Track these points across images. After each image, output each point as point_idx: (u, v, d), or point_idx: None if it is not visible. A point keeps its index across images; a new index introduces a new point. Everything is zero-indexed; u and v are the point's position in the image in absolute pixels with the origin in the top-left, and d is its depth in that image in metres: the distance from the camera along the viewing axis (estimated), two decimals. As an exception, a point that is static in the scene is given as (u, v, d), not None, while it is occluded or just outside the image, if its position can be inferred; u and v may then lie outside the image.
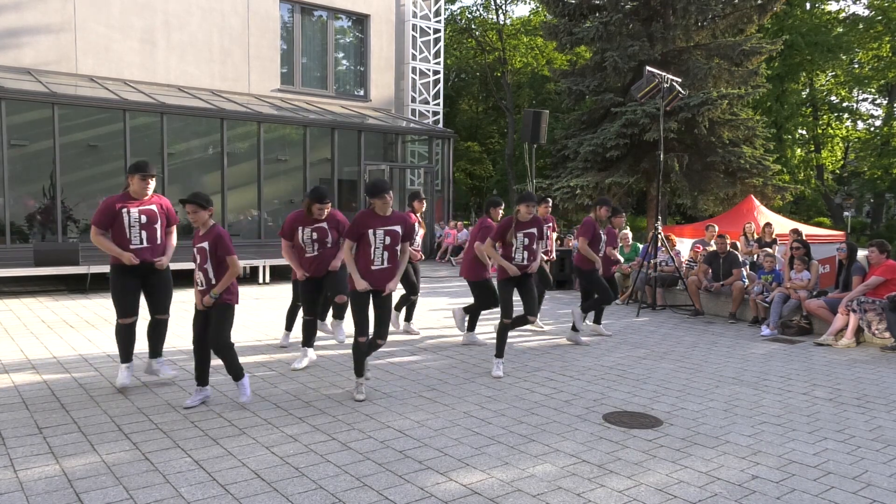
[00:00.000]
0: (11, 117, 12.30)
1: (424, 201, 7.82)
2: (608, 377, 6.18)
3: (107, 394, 5.29)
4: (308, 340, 6.28)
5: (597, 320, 8.24)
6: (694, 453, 4.32)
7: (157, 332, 5.58)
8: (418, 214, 7.60)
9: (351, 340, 6.39)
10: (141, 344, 6.11)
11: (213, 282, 4.91)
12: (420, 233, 7.58)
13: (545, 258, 8.46)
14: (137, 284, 5.35)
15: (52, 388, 5.40)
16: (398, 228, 5.20)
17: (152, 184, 5.37)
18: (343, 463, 4.04)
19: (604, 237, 7.86)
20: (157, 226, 5.37)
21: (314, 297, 6.22)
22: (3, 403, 4.99)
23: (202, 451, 4.16)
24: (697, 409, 5.24)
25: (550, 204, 8.80)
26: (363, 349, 5.21)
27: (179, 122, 14.16)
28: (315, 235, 6.05)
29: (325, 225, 6.08)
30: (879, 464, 4.20)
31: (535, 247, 6.27)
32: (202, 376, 5.07)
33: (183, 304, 9.71)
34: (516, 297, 6.67)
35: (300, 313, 6.57)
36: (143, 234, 5.28)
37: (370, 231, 5.10)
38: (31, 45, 14.06)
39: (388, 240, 5.15)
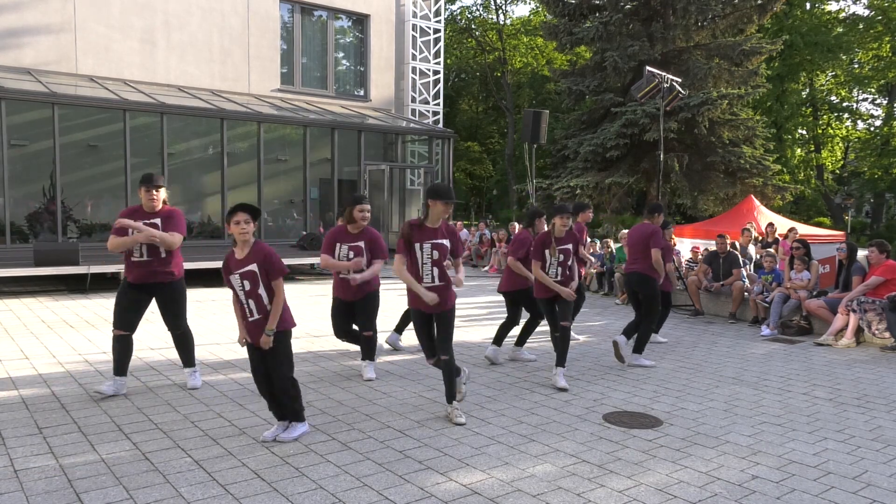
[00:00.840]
0: (11, 117, 12.31)
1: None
2: (608, 377, 6.18)
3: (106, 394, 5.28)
4: (368, 354, 5.94)
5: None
6: (694, 453, 4.32)
7: (181, 344, 5.49)
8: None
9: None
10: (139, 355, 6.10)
11: (268, 308, 4.20)
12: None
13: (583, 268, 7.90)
14: (140, 300, 5.22)
15: (52, 388, 5.40)
16: (446, 242, 4.64)
17: (159, 195, 5.18)
18: (343, 463, 4.05)
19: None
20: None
21: (346, 323, 5.94)
22: (3, 403, 4.99)
23: (202, 451, 4.16)
24: (697, 409, 5.24)
25: (591, 210, 8.06)
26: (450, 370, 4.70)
27: (179, 122, 14.17)
28: (351, 255, 5.66)
29: (361, 244, 5.67)
30: (879, 464, 4.20)
31: (570, 263, 5.84)
32: (280, 413, 4.41)
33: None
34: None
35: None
36: (144, 248, 5.14)
37: (417, 245, 4.61)
38: (31, 45, 14.07)
39: (436, 254, 4.61)
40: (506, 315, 6.74)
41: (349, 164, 16.29)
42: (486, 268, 15.60)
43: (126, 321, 5.18)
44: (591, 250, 12.50)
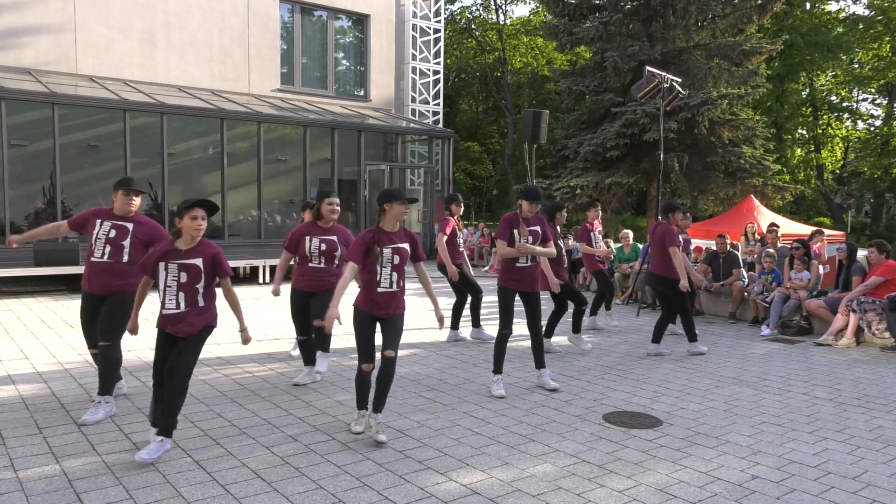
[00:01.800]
0: (11, 117, 12.30)
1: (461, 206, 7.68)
2: (608, 377, 6.18)
3: (107, 394, 5.28)
4: (309, 358, 5.79)
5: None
6: (694, 453, 4.32)
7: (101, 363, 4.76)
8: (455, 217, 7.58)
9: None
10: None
11: (200, 304, 4.11)
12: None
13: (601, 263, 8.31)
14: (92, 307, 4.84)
15: (52, 388, 5.40)
16: (406, 246, 4.49)
17: (136, 201, 4.85)
18: (343, 463, 4.05)
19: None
20: (126, 243, 4.77)
21: (304, 315, 5.68)
22: (3, 403, 4.99)
23: (202, 451, 4.16)
24: (697, 409, 5.24)
25: (599, 209, 8.46)
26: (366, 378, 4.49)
27: (179, 122, 14.16)
28: (323, 247, 5.55)
29: (335, 238, 5.62)
30: (879, 464, 4.20)
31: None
32: (156, 419, 4.15)
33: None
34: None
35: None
36: (108, 248, 4.75)
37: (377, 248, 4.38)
38: (31, 45, 14.07)
39: (396, 259, 4.41)
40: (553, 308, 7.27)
41: (349, 164, 16.28)
42: (487, 268, 15.60)
43: (88, 336, 4.89)
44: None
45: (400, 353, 6.98)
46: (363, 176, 16.13)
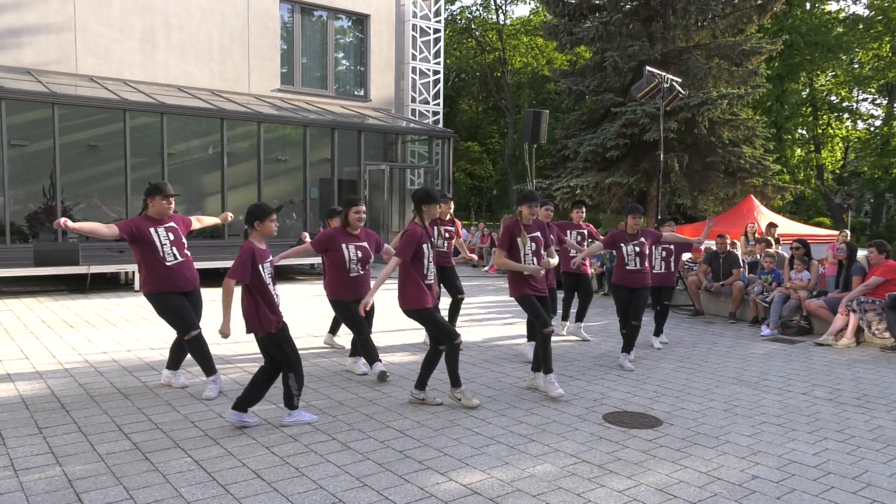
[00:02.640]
0: (11, 117, 12.30)
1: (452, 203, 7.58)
2: (608, 377, 6.18)
3: (107, 394, 5.29)
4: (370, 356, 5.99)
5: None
6: (694, 453, 4.32)
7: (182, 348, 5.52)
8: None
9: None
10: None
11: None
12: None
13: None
14: (184, 300, 5.35)
15: (52, 388, 5.40)
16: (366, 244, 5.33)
17: (173, 204, 5.42)
18: (343, 463, 4.05)
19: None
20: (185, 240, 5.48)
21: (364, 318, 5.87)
22: (3, 403, 4.99)
23: (202, 451, 4.16)
24: (697, 409, 5.24)
25: (583, 209, 8.27)
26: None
27: (179, 122, 14.16)
28: (360, 254, 5.73)
29: (366, 245, 5.80)
30: (879, 464, 4.20)
31: (543, 253, 5.68)
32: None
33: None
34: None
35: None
36: (175, 250, 5.34)
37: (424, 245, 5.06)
38: (31, 45, 14.06)
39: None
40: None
41: (349, 164, 16.28)
42: (486, 268, 15.59)
43: (192, 319, 5.35)
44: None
45: (400, 353, 6.98)
46: (363, 176, 16.12)
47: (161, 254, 5.22)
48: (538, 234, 5.61)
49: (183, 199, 14.92)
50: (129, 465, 3.93)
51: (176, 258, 5.31)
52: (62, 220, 4.96)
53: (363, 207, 5.73)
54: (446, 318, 7.59)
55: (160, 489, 3.63)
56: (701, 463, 4.16)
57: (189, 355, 5.45)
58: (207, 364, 5.31)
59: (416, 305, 4.99)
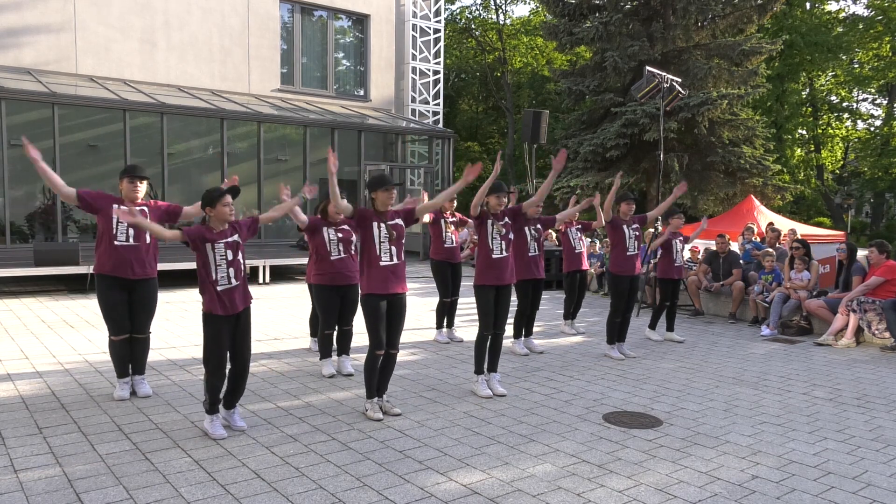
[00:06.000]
0: (11, 117, 12.30)
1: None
2: (608, 377, 6.18)
3: (107, 394, 5.28)
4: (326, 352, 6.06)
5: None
6: (694, 453, 4.32)
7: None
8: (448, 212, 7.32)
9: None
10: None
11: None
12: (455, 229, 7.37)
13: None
14: (125, 298, 5.09)
15: (52, 388, 5.40)
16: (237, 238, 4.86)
17: (142, 187, 5.23)
18: (343, 463, 4.04)
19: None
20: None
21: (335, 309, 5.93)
22: (3, 403, 4.99)
23: (202, 451, 4.16)
24: (697, 409, 5.24)
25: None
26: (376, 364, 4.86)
27: (179, 122, 14.16)
28: (340, 235, 5.82)
29: (346, 225, 5.86)
30: (879, 464, 4.20)
31: (511, 238, 5.53)
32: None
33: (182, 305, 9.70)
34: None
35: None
36: (131, 231, 5.07)
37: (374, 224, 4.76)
38: (31, 45, 14.06)
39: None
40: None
41: (349, 164, 16.28)
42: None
43: (123, 323, 5.15)
44: (591, 251, 12.50)
45: (400, 353, 6.97)
46: (363, 176, 16.13)
47: (114, 231, 5.02)
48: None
49: (183, 199, 14.92)
50: (129, 465, 3.93)
51: (128, 241, 5.03)
52: (32, 151, 4.95)
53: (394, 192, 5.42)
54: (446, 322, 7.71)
55: (160, 489, 3.63)
56: (701, 463, 4.16)
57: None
58: (120, 367, 5.13)
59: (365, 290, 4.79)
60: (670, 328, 7.99)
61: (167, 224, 5.07)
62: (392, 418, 4.87)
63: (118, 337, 5.10)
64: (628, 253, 6.83)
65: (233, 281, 4.41)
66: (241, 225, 4.57)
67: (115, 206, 4.97)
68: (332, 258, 5.81)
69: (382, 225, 4.76)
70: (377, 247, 4.75)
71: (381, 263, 4.74)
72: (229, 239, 4.42)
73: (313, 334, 6.93)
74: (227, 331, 4.36)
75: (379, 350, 4.77)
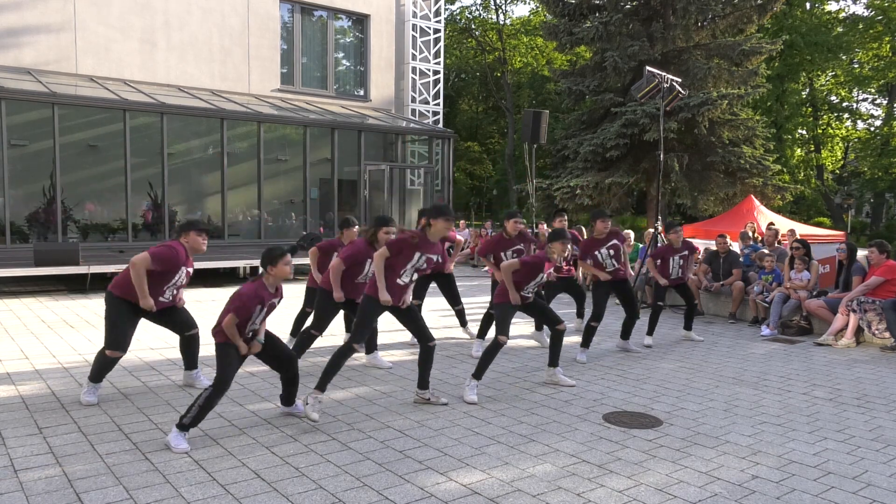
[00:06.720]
0: (11, 117, 12.30)
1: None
2: (608, 377, 6.18)
3: (107, 394, 5.28)
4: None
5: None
6: (694, 453, 4.32)
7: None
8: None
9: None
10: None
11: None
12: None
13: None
14: (135, 322, 5.13)
15: (52, 388, 5.40)
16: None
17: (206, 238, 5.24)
18: (343, 463, 4.05)
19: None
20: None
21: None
22: (3, 403, 4.99)
23: (202, 451, 4.16)
24: (697, 409, 5.24)
25: (564, 218, 8.06)
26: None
27: (179, 122, 14.16)
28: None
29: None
30: (879, 464, 4.20)
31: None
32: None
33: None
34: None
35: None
36: (177, 291, 5.23)
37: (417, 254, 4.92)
38: (31, 45, 14.06)
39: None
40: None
41: (349, 164, 16.28)
42: (487, 268, 15.58)
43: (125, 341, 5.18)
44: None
45: (400, 353, 6.98)
46: (363, 176, 16.13)
47: (164, 290, 5.11)
48: (521, 246, 5.45)
49: (183, 198, 14.93)
50: (129, 465, 3.93)
51: (167, 300, 5.16)
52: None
53: (394, 228, 5.55)
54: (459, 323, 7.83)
55: (160, 489, 3.63)
56: (701, 463, 4.16)
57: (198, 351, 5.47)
58: (98, 374, 5.08)
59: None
60: (688, 327, 8.04)
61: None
62: (392, 418, 4.87)
63: (113, 353, 5.00)
64: (607, 270, 6.86)
65: (259, 335, 4.51)
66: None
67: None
68: (356, 281, 5.78)
69: (424, 256, 4.93)
70: (404, 269, 4.93)
71: (398, 282, 4.94)
72: (274, 300, 4.44)
73: (293, 334, 6.92)
74: (240, 358, 4.41)
75: (358, 345, 4.86)
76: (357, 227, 6.49)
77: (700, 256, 10.50)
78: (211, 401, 4.21)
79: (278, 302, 4.48)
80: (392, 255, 4.88)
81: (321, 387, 4.76)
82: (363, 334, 4.93)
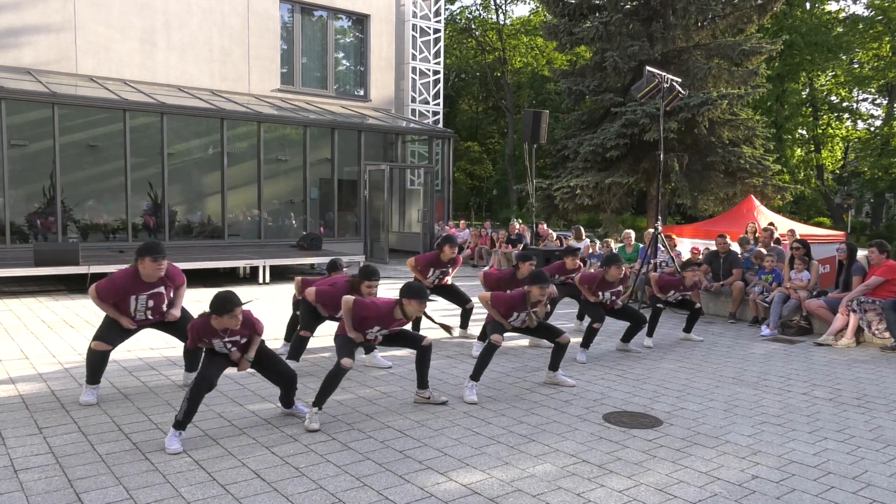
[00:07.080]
0: (11, 117, 12.31)
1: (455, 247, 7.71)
2: (608, 377, 6.18)
3: (107, 394, 5.28)
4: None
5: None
6: (694, 453, 4.32)
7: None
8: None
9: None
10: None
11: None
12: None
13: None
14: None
15: (52, 388, 5.40)
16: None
17: (164, 264, 5.04)
18: (343, 463, 4.05)
19: None
20: (164, 303, 5.22)
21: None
22: (3, 403, 4.99)
23: (202, 451, 4.16)
24: (697, 409, 5.24)
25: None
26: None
27: (179, 122, 14.16)
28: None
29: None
30: (879, 464, 4.20)
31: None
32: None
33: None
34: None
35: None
36: (149, 312, 5.16)
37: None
38: (31, 45, 14.07)
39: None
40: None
41: (349, 164, 16.29)
42: (488, 267, 15.58)
43: (113, 340, 5.17)
44: (591, 250, 12.50)
45: (400, 353, 6.98)
46: (363, 176, 16.13)
47: (132, 312, 5.08)
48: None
49: (183, 198, 14.93)
50: (129, 465, 3.93)
51: (147, 317, 5.16)
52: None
53: (376, 283, 5.59)
54: (459, 323, 7.88)
55: (160, 489, 3.63)
56: (701, 463, 4.16)
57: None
58: (93, 375, 5.06)
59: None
60: (688, 330, 8.04)
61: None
62: (392, 418, 4.87)
63: (98, 345, 4.98)
64: (604, 303, 6.99)
65: (249, 354, 4.58)
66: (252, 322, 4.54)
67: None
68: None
69: (380, 330, 5.00)
70: (369, 330, 5.02)
71: (366, 335, 5.04)
72: (236, 338, 4.46)
73: (288, 339, 6.90)
74: (223, 359, 4.47)
75: (346, 362, 4.70)
76: (346, 268, 6.74)
77: (700, 257, 10.50)
78: (197, 393, 4.21)
79: (247, 340, 4.51)
80: (354, 318, 4.84)
81: (318, 403, 4.67)
82: (349, 353, 4.78)
